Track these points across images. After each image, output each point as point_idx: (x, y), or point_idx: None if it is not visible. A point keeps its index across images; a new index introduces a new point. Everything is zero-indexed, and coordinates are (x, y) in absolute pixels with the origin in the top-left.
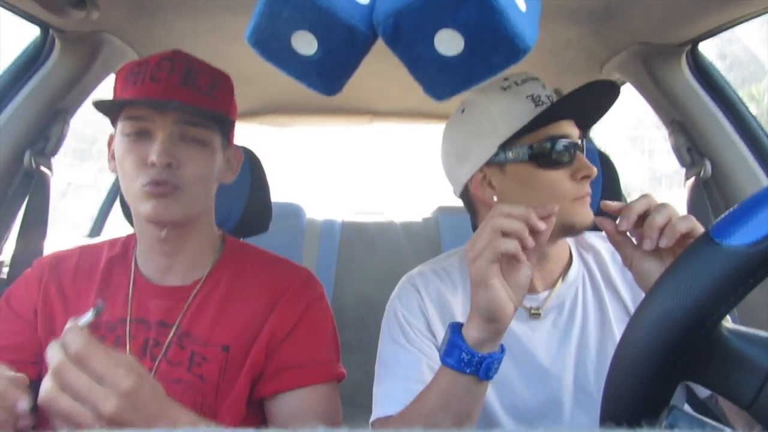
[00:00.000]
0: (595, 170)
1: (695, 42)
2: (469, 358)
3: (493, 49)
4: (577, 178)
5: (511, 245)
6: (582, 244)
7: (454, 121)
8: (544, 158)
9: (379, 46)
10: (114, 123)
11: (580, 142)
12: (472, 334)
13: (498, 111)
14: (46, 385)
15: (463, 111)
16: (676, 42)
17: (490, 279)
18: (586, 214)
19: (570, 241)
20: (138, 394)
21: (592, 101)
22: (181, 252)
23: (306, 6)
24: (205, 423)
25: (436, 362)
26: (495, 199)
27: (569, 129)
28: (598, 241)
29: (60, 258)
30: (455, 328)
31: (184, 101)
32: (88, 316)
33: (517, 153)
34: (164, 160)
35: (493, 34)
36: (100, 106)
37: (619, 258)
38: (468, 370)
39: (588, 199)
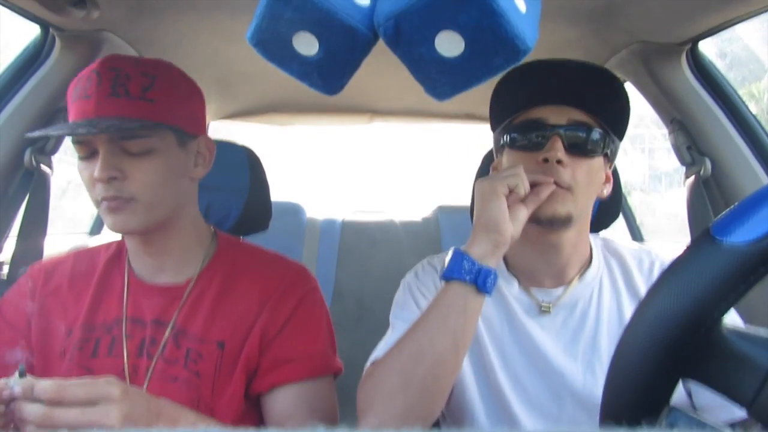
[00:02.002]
0: (556, 154)
1: (695, 41)
2: (470, 267)
3: (494, 50)
4: (539, 160)
5: (522, 185)
6: (608, 249)
7: None
8: (513, 142)
9: (380, 45)
10: None
11: (562, 128)
12: (474, 247)
13: (501, 97)
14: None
15: None
16: (676, 41)
17: (500, 194)
18: (547, 202)
19: (596, 243)
20: (129, 395)
21: (577, 86)
22: (167, 251)
23: (307, 7)
24: (197, 416)
25: None
26: None
27: (547, 114)
28: (625, 249)
29: (55, 263)
30: (457, 249)
31: (113, 114)
32: (15, 377)
33: (504, 138)
34: (105, 176)
35: (494, 36)
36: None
37: (645, 267)
38: (468, 278)
39: (549, 188)
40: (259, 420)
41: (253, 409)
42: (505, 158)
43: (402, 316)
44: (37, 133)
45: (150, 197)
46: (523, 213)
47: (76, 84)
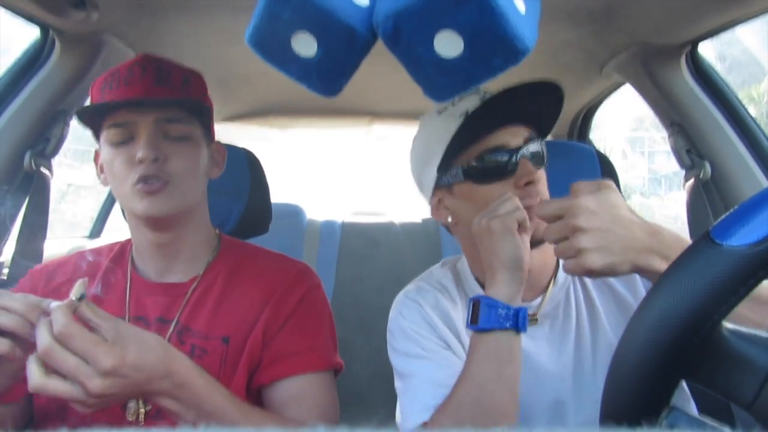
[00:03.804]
0: (536, 174)
1: (695, 43)
2: (506, 312)
3: (493, 50)
4: (520, 184)
5: (525, 216)
6: None
7: (410, 153)
8: (478, 174)
9: (379, 47)
10: (97, 135)
11: (523, 148)
12: (501, 290)
13: (433, 134)
14: (34, 369)
15: (413, 141)
16: (676, 43)
17: (514, 230)
18: (536, 225)
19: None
20: (121, 370)
21: (523, 103)
22: (178, 252)
23: (305, 7)
24: (202, 373)
25: (456, 366)
26: (450, 220)
27: (506, 138)
28: None
29: (57, 264)
30: (480, 296)
31: (160, 98)
32: (77, 289)
33: (455, 173)
34: (151, 155)
35: (493, 36)
36: (83, 116)
37: None
38: (508, 324)
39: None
40: None
41: (256, 404)
42: (470, 192)
43: (414, 369)
44: (88, 107)
45: (185, 182)
46: (527, 242)
47: (109, 78)
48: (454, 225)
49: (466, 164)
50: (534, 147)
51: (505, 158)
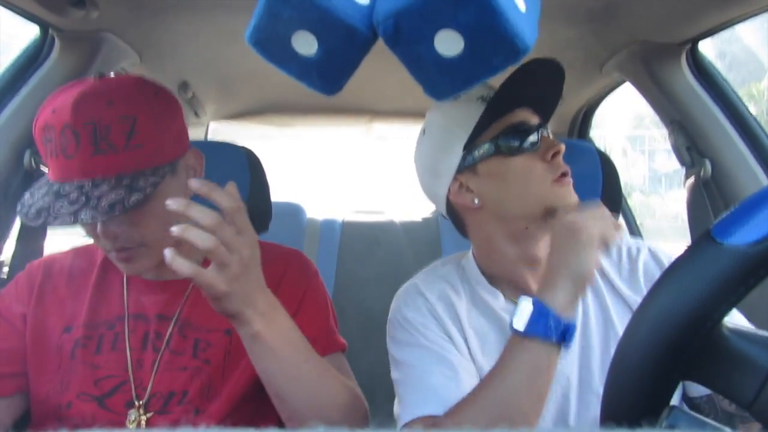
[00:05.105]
0: (562, 145)
1: (695, 41)
2: (555, 324)
3: (493, 49)
4: (548, 157)
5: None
6: None
7: (419, 144)
8: (509, 146)
9: (379, 45)
10: None
11: (541, 126)
12: (557, 298)
13: (453, 119)
14: (206, 239)
15: (424, 132)
16: (676, 41)
17: (596, 245)
18: (566, 194)
19: None
20: (248, 278)
21: (538, 84)
22: None
23: (306, 6)
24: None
25: (458, 360)
26: (476, 201)
27: (526, 116)
28: None
29: (53, 260)
30: (534, 299)
31: (103, 173)
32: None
33: (483, 150)
34: (109, 235)
35: (493, 35)
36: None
37: (613, 254)
38: (554, 338)
39: (568, 179)
40: (260, 404)
41: (258, 393)
42: (498, 168)
43: (419, 359)
44: (37, 223)
45: (156, 239)
46: (598, 259)
47: (41, 135)
48: (478, 208)
49: (494, 139)
50: (546, 127)
51: (532, 131)
